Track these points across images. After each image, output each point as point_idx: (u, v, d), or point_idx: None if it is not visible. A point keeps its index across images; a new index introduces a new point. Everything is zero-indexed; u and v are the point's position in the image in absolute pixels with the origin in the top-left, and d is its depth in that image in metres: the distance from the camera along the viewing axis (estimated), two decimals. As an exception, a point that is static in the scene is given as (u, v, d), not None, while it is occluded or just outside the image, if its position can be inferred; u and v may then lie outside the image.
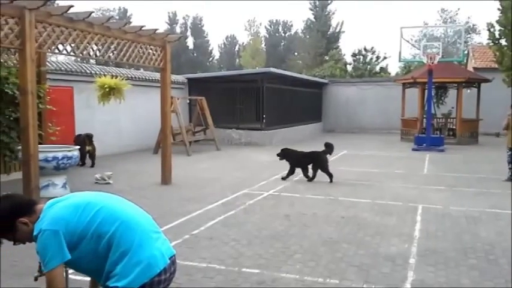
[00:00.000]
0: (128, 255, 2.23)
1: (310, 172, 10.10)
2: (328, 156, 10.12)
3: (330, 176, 9.85)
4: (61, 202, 2.36)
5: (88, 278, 2.60)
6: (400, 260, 5.05)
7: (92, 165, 11.72)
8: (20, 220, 2.28)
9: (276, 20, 67.21)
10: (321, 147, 10.33)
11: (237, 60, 65.76)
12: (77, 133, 12.51)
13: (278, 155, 10.35)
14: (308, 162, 10.15)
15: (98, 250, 2.25)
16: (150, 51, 9.01)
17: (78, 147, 9.06)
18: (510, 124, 10.01)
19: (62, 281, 2.25)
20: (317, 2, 48.96)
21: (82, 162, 11.40)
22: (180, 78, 18.88)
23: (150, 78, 16.08)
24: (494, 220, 6.81)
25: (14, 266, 4.75)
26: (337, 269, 4.78)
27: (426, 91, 17.70)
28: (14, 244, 2.38)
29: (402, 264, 4.91)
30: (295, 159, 10.21)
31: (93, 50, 8.19)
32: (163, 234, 2.48)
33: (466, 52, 26.40)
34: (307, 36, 50.94)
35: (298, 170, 10.21)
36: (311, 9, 49.43)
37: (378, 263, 4.96)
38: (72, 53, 7.96)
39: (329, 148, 10.08)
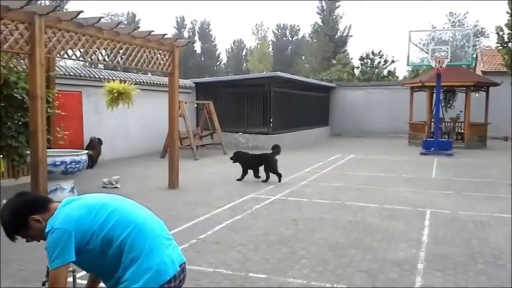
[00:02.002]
0: (138, 261, 2.23)
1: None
2: (277, 157, 10.48)
3: (279, 175, 10.30)
4: (76, 201, 2.37)
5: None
6: (408, 265, 5.03)
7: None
8: (32, 217, 2.30)
9: (283, 24, 67.31)
10: (328, 151, 10.35)
11: (244, 64, 65.88)
12: (85, 137, 12.80)
13: (231, 158, 10.82)
14: (258, 164, 10.54)
15: (109, 253, 2.26)
16: (159, 56, 9.05)
17: (86, 151, 9.13)
18: None
19: (64, 280, 2.22)
20: (325, 6, 48.96)
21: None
22: (188, 82, 18.94)
23: (158, 82, 16.14)
24: (503, 225, 6.76)
25: (22, 270, 4.77)
26: (344, 274, 4.76)
27: (434, 95, 17.64)
28: (27, 241, 2.40)
29: (410, 270, 4.89)
30: (247, 162, 10.67)
31: (102, 55, 8.26)
32: (174, 241, 2.47)
33: (474, 56, 26.26)
34: (315, 40, 50.91)
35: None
36: (318, 13, 49.45)
37: (385, 268, 4.94)
38: (81, 58, 8.03)
39: (276, 150, 10.51)
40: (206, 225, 6.59)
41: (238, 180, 10.51)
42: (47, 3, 39.50)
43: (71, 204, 2.34)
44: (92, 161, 12.06)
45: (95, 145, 12.53)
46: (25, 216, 2.31)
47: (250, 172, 10.55)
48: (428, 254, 5.41)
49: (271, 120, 17.87)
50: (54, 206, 2.37)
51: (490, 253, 5.47)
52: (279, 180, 10.25)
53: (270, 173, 10.41)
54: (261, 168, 10.48)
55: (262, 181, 10.32)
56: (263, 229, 6.44)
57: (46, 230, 2.25)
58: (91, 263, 2.30)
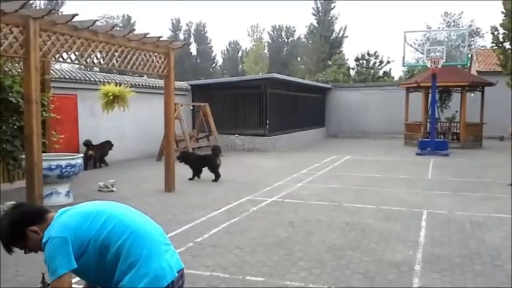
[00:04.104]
0: (136, 266, 2.21)
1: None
2: (220, 158, 10.99)
3: (217, 176, 10.75)
4: (71, 210, 2.36)
5: None
6: (405, 266, 5.03)
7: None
8: (30, 228, 2.28)
9: (279, 26, 67.37)
10: (324, 153, 10.37)
11: (240, 66, 65.88)
12: (80, 141, 12.94)
13: (178, 157, 11.10)
14: (202, 164, 10.96)
15: (106, 259, 2.24)
16: (154, 58, 9.03)
17: (82, 155, 9.10)
18: None
19: None
20: (320, 7, 49.05)
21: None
22: (184, 84, 18.91)
23: (154, 85, 16.11)
24: (500, 225, 6.77)
25: (18, 275, 4.75)
26: (342, 276, 4.75)
27: (430, 95, 17.67)
28: (25, 253, 2.39)
29: (407, 271, 4.89)
30: (192, 162, 11.07)
31: (97, 58, 8.22)
32: (172, 246, 2.46)
33: (469, 56, 26.33)
34: (310, 41, 50.99)
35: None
36: (314, 14, 49.54)
37: (383, 270, 4.93)
38: (76, 61, 7.99)
39: (216, 151, 10.99)
40: (203, 228, 6.57)
41: (190, 179, 10.88)
42: (42, 6, 39.40)
43: (66, 213, 2.33)
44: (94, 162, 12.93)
45: (90, 147, 12.81)
46: (23, 228, 2.29)
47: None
48: (426, 255, 5.41)
49: (267, 121, 17.86)
50: (51, 216, 2.35)
51: (487, 253, 5.47)
52: (215, 180, 10.68)
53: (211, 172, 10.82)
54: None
55: (212, 180, 10.68)
56: (260, 232, 6.42)
57: (43, 241, 2.23)
58: (89, 270, 2.28)
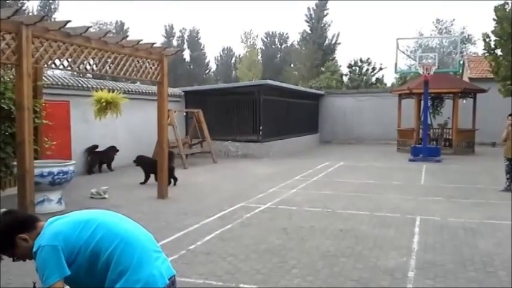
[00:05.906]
0: (126, 273, 2.20)
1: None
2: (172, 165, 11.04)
3: (173, 179, 10.97)
4: (61, 219, 2.35)
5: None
6: (398, 273, 5.03)
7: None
8: (19, 236, 2.27)
9: (272, 32, 67.62)
10: (318, 159, 10.35)
11: (234, 72, 65.93)
12: (73, 147, 12.87)
13: (134, 161, 11.45)
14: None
15: (97, 268, 2.22)
16: (147, 65, 9.01)
17: (74, 162, 9.04)
18: (510, 134, 10.03)
19: None
20: (313, 14, 49.29)
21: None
22: (177, 91, 18.88)
23: (147, 91, 16.07)
24: (493, 231, 6.80)
25: (9, 283, 4.70)
26: (335, 283, 4.74)
27: (422, 102, 17.75)
28: (14, 261, 2.37)
29: (401, 278, 4.89)
30: (147, 166, 11.24)
31: (90, 65, 8.19)
32: (163, 253, 2.44)
33: (461, 62, 26.51)
34: (303, 48, 51.11)
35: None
36: (307, 21, 49.72)
37: (376, 276, 4.93)
38: (69, 68, 7.95)
39: (169, 155, 10.89)
40: (196, 235, 6.54)
41: (141, 183, 11.16)
42: (35, 12, 39.30)
43: (56, 222, 2.32)
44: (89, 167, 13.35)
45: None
46: (12, 236, 2.27)
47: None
48: (419, 261, 5.41)
49: (260, 128, 17.85)
50: (41, 224, 2.35)
51: (480, 260, 5.49)
52: (174, 184, 10.85)
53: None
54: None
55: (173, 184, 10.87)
56: (254, 238, 6.40)
57: (34, 250, 2.22)
58: (79, 279, 2.26)
